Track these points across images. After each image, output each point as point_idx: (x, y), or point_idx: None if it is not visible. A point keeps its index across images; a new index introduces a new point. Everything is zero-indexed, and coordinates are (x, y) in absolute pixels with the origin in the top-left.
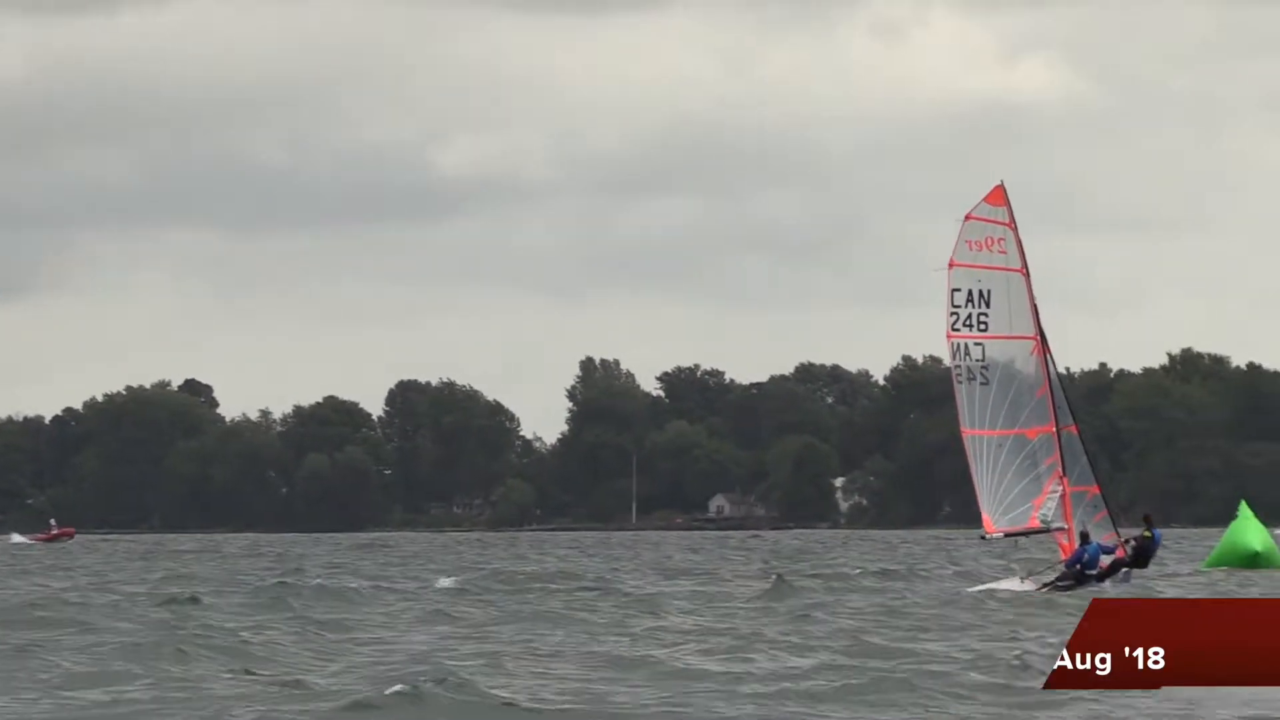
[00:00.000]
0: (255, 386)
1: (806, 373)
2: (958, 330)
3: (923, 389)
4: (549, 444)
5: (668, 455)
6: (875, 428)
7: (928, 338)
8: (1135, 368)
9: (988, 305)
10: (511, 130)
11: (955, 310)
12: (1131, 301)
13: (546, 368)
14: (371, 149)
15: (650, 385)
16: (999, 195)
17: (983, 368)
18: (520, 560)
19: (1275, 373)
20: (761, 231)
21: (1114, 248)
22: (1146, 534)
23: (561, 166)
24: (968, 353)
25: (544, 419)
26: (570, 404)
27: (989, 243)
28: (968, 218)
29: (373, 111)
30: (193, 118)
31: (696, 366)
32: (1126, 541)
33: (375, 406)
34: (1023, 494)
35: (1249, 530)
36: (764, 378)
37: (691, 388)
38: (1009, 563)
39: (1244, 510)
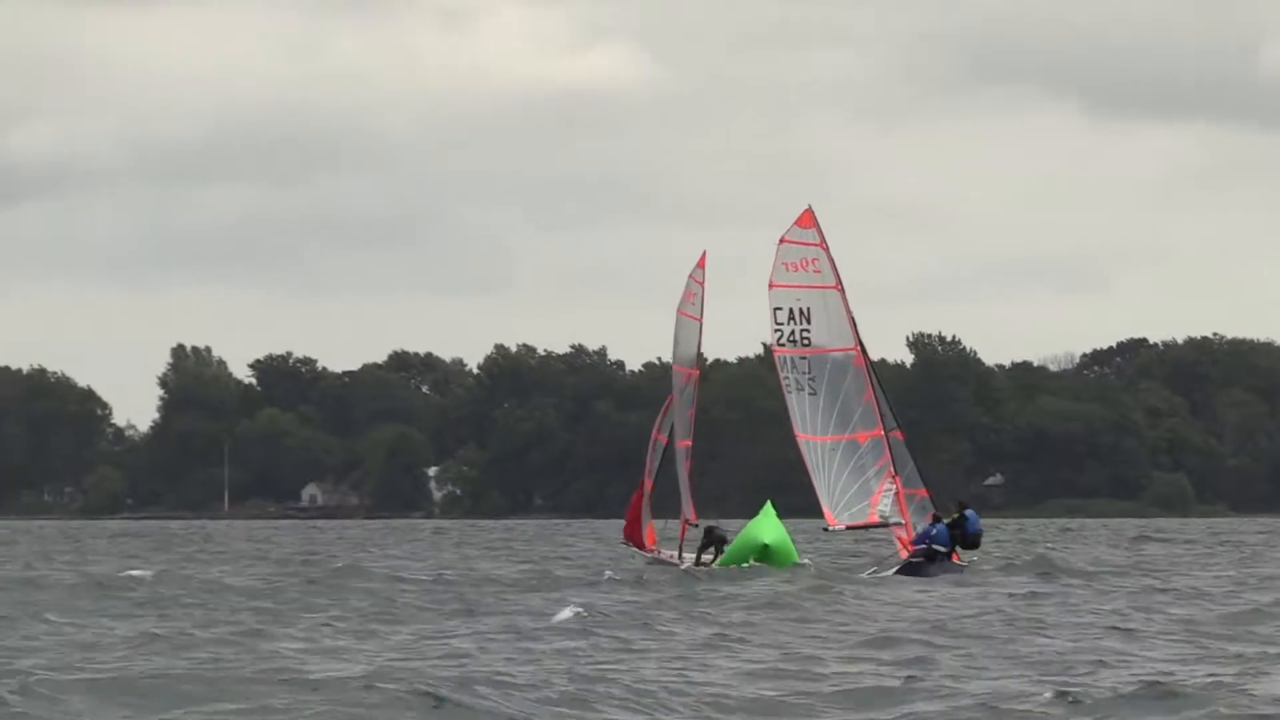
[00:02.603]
0: None
1: (399, 361)
2: (783, 345)
3: (516, 378)
4: (141, 432)
5: (259, 443)
6: (468, 417)
7: (520, 326)
8: (731, 357)
9: (809, 321)
10: (78, 118)
11: (779, 328)
12: (727, 292)
13: (139, 356)
14: None
15: (242, 373)
16: (808, 219)
17: (810, 379)
18: None
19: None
20: (340, 219)
21: (694, 237)
22: (959, 516)
23: (130, 154)
24: (794, 366)
25: (136, 407)
26: (162, 392)
27: (804, 264)
28: (782, 241)
29: None
30: None
31: (289, 354)
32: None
33: None
34: (859, 493)
35: (763, 526)
36: (356, 366)
37: (283, 376)
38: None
39: (767, 508)
